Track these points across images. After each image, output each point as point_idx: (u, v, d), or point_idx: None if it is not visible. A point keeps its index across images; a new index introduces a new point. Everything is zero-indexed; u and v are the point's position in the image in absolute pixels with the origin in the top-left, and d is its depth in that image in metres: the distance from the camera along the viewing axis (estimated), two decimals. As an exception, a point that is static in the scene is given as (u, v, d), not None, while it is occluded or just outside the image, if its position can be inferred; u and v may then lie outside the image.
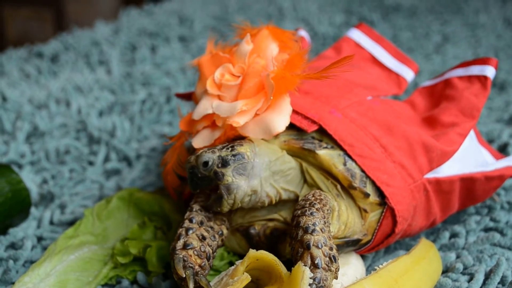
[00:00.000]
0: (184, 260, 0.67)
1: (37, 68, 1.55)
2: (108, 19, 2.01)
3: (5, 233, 0.88)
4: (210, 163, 0.67)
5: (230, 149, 0.69)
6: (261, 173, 0.70)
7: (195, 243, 0.69)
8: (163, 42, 1.74)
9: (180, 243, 0.69)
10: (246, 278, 0.62)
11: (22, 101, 1.32)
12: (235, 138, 0.73)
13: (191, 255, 0.67)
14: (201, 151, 0.69)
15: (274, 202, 0.72)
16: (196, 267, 0.67)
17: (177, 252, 0.68)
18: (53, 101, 1.33)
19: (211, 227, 0.72)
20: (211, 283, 0.65)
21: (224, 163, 0.68)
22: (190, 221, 0.71)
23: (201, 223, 0.71)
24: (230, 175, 0.68)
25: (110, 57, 1.61)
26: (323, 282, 0.61)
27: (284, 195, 0.73)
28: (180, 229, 0.70)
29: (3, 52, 1.69)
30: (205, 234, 0.70)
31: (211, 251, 0.70)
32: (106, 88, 1.41)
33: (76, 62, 1.60)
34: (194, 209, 0.72)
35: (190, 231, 0.70)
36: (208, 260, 0.69)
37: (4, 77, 1.49)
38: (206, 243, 0.70)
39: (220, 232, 0.72)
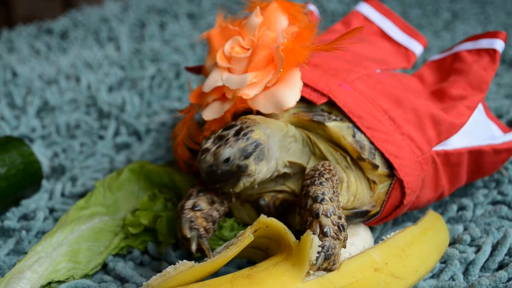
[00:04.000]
0: (190, 221, 0.68)
1: (47, 45, 1.56)
2: (117, -4, 2.01)
3: (18, 205, 0.89)
4: (231, 158, 0.66)
5: (245, 138, 0.67)
6: (275, 153, 0.70)
7: (204, 205, 0.70)
8: (172, 19, 1.74)
9: (189, 203, 0.70)
10: (249, 237, 0.63)
11: (32, 77, 1.33)
12: (244, 111, 0.74)
13: (198, 217, 0.68)
14: (211, 145, 0.67)
15: (282, 173, 0.73)
16: (201, 229, 0.68)
17: (185, 211, 0.69)
18: (63, 76, 1.33)
19: (222, 192, 0.72)
20: (219, 249, 0.66)
21: (246, 155, 0.67)
22: (202, 183, 0.72)
23: None
24: (253, 165, 0.67)
25: (119, 34, 1.61)
26: (331, 250, 0.62)
27: (289, 170, 0.73)
28: (192, 189, 0.71)
29: (12, 29, 1.69)
30: (215, 198, 0.71)
31: (217, 216, 0.71)
32: (116, 64, 1.42)
33: (85, 38, 1.60)
34: None
35: (201, 193, 0.71)
36: (213, 224, 0.70)
37: (14, 54, 1.49)
38: (214, 208, 0.71)
39: (229, 199, 0.73)
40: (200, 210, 0.69)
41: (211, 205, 0.70)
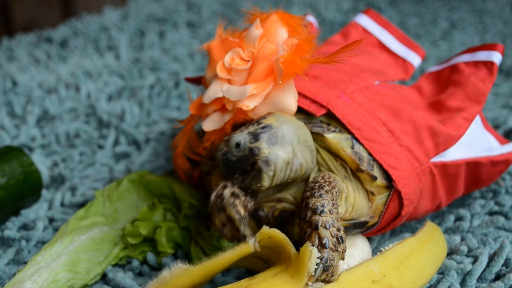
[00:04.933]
0: (233, 205, 0.67)
1: (47, 53, 1.56)
2: (117, 4, 2.01)
3: (17, 214, 0.89)
4: (242, 141, 0.67)
5: (256, 124, 0.69)
6: (292, 140, 0.70)
7: (241, 195, 0.69)
8: (171, 28, 1.75)
9: (227, 191, 0.68)
10: (248, 246, 0.63)
11: (32, 86, 1.33)
12: (244, 122, 0.75)
13: (237, 204, 0.68)
14: (226, 136, 0.69)
15: (303, 172, 0.72)
16: (242, 214, 0.67)
17: (225, 197, 0.68)
18: (62, 85, 1.34)
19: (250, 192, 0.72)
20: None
21: (256, 137, 0.67)
22: (226, 185, 0.70)
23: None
24: (265, 147, 0.67)
25: (119, 43, 1.61)
26: (330, 262, 0.62)
27: (309, 167, 0.73)
28: (224, 182, 0.70)
29: (12, 37, 1.70)
30: (246, 192, 0.70)
31: (251, 208, 0.70)
32: (115, 73, 1.42)
33: (85, 47, 1.61)
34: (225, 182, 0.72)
35: (235, 186, 0.69)
36: (248, 215, 0.69)
37: (14, 62, 1.50)
38: (247, 200, 0.70)
39: (255, 197, 0.72)
40: (239, 199, 0.68)
41: (245, 196, 0.70)
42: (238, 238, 0.66)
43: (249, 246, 0.63)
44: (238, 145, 0.67)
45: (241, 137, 0.67)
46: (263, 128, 0.68)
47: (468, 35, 1.65)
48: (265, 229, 0.64)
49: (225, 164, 0.68)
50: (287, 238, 0.64)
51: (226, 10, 1.86)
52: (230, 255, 0.63)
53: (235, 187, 0.69)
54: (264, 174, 0.68)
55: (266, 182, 0.68)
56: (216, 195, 0.69)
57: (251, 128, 0.68)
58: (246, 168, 0.68)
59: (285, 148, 0.69)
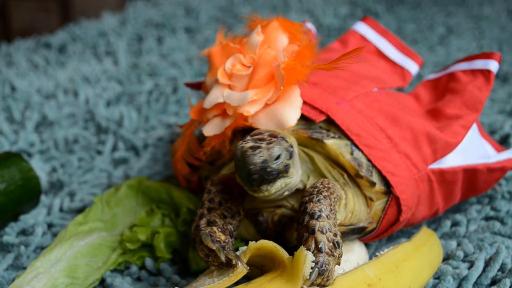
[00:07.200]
0: (211, 235, 0.67)
1: (45, 59, 1.57)
2: (115, 10, 2.02)
3: (16, 220, 0.89)
4: (282, 155, 0.66)
5: (284, 140, 0.67)
6: (299, 163, 0.71)
7: (218, 221, 0.69)
8: (170, 33, 1.76)
9: (203, 221, 0.69)
10: (242, 272, 0.64)
11: (30, 91, 1.33)
12: (244, 128, 0.75)
13: (215, 232, 0.68)
14: (258, 143, 0.66)
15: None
16: (222, 242, 0.67)
17: (202, 228, 0.68)
18: (61, 91, 1.34)
19: (229, 208, 0.72)
20: (239, 252, 0.67)
21: (291, 154, 0.67)
22: (210, 201, 0.72)
23: (220, 204, 0.72)
24: (292, 166, 0.67)
25: (117, 48, 1.62)
26: (325, 266, 0.63)
27: (300, 185, 0.74)
28: (201, 209, 0.71)
29: (11, 42, 1.70)
30: (226, 213, 0.71)
31: (232, 229, 0.71)
32: (113, 79, 1.42)
33: (84, 52, 1.61)
34: (212, 191, 0.73)
35: (212, 211, 0.70)
36: (231, 237, 0.69)
37: (13, 68, 1.50)
38: (227, 221, 0.70)
39: (238, 213, 0.73)
40: (216, 225, 0.68)
41: (224, 220, 0.70)
42: (226, 264, 0.66)
43: (241, 271, 0.64)
44: (278, 157, 0.65)
45: (281, 150, 0.65)
46: (290, 146, 0.67)
47: (465, 40, 1.66)
48: (252, 244, 0.65)
49: (259, 173, 0.65)
50: (276, 245, 0.65)
51: (224, 16, 1.87)
52: (226, 283, 0.63)
53: (212, 213, 0.70)
54: (279, 182, 0.66)
55: (274, 190, 0.66)
56: (194, 227, 0.70)
57: (284, 144, 0.66)
58: (268, 179, 0.66)
59: (298, 171, 0.69)
